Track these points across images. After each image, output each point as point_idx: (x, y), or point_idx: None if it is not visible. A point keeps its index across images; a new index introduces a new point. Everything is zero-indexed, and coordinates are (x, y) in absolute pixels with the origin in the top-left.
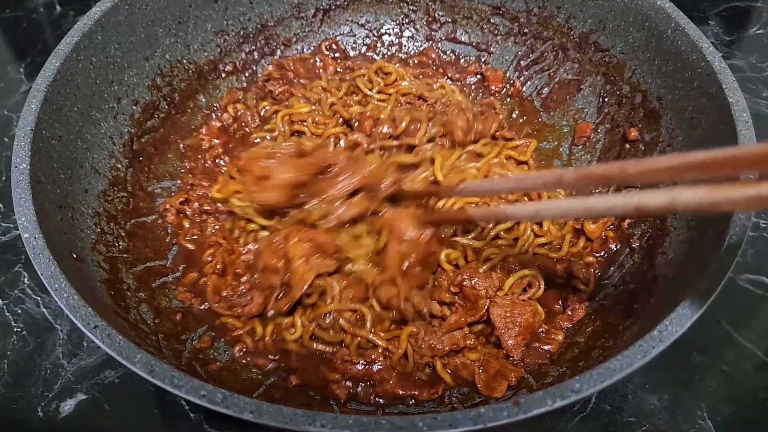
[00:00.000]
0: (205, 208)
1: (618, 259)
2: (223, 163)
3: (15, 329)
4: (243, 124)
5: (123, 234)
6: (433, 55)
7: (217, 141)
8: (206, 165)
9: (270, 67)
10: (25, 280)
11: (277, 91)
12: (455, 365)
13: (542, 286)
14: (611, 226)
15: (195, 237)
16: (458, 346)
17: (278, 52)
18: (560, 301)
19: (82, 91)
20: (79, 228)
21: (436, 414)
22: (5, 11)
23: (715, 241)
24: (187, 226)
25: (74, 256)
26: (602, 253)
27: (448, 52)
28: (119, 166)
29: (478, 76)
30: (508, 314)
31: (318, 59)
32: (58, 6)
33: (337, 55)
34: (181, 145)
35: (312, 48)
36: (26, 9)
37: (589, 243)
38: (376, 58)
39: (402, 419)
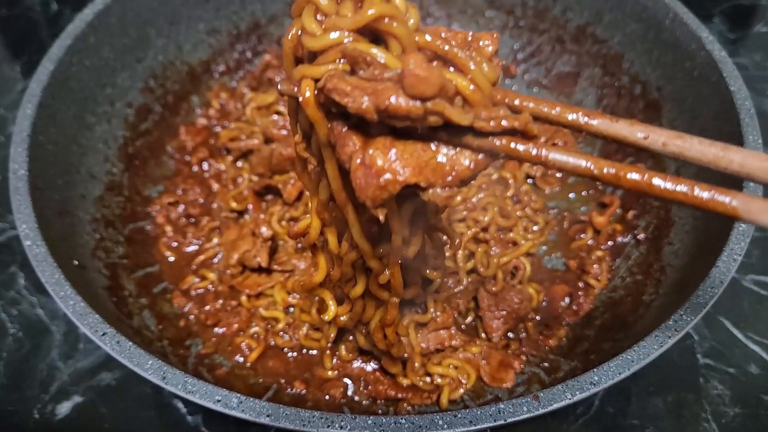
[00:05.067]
0: (190, 211)
1: (624, 250)
2: (207, 167)
3: (10, 331)
4: (228, 111)
5: (122, 239)
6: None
7: (198, 139)
8: (193, 170)
9: (267, 56)
10: (21, 281)
11: (278, 79)
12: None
13: (528, 267)
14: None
15: (176, 245)
16: (443, 345)
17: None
18: (567, 297)
19: (76, 95)
20: (78, 234)
21: (456, 411)
22: (1, 9)
23: (723, 230)
24: (171, 231)
25: (76, 262)
26: (608, 243)
27: None
28: (114, 170)
29: None
30: (494, 297)
31: None
32: (55, 4)
33: None
34: (168, 148)
35: None
36: (22, 7)
37: (596, 235)
38: None
39: (422, 418)
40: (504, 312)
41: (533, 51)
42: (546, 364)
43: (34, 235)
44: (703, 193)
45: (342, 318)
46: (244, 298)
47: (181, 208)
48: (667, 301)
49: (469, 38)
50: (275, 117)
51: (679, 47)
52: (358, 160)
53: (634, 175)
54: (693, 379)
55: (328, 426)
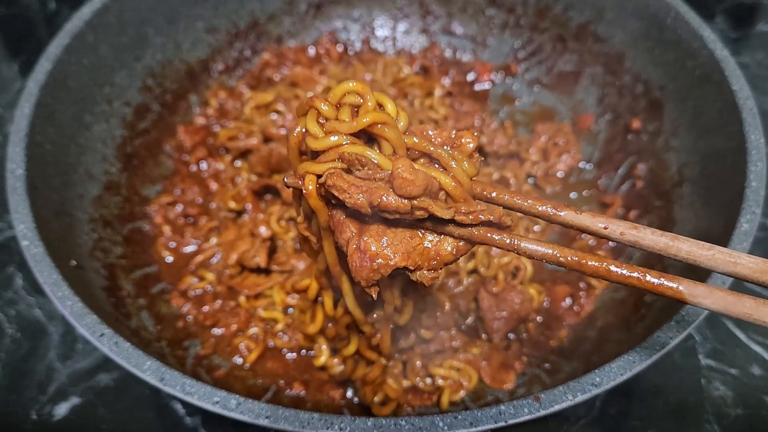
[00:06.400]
0: (189, 211)
1: (626, 250)
2: (205, 167)
3: (8, 331)
4: (226, 110)
5: (120, 239)
6: (437, 52)
7: (197, 138)
8: (191, 169)
9: (266, 55)
10: (19, 281)
11: (277, 78)
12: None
13: (529, 267)
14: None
15: (174, 245)
16: (443, 346)
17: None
18: (569, 297)
19: (74, 94)
20: (76, 234)
21: (456, 413)
22: None
23: (725, 230)
24: (169, 231)
25: (74, 262)
26: (610, 244)
27: (443, 45)
28: (113, 170)
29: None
30: (494, 298)
31: (321, 49)
32: (53, 2)
33: (340, 48)
34: (167, 147)
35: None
36: (20, 5)
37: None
38: (380, 50)
39: (421, 420)
40: (505, 313)
41: (534, 50)
42: (547, 365)
43: (31, 235)
44: (653, 280)
45: (337, 369)
46: (242, 299)
47: (179, 207)
48: (669, 301)
49: (453, 135)
50: (274, 116)
51: (681, 46)
52: (354, 246)
53: (593, 263)
54: (695, 380)
55: (328, 428)
